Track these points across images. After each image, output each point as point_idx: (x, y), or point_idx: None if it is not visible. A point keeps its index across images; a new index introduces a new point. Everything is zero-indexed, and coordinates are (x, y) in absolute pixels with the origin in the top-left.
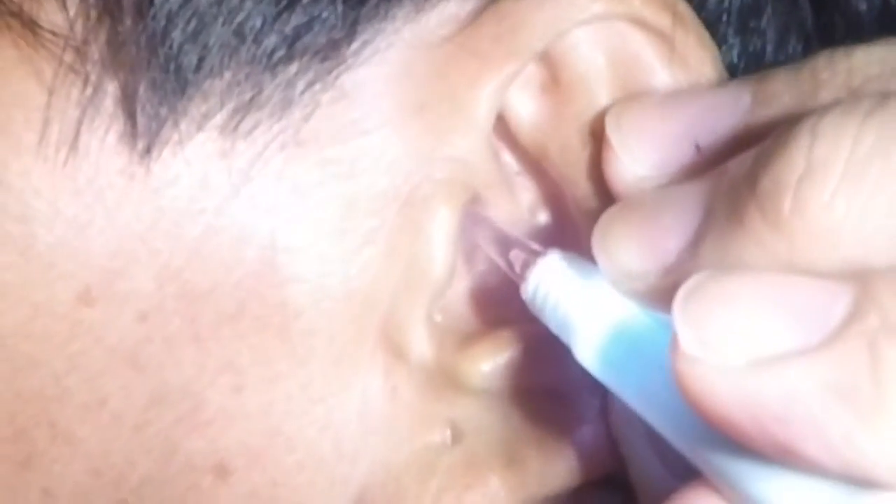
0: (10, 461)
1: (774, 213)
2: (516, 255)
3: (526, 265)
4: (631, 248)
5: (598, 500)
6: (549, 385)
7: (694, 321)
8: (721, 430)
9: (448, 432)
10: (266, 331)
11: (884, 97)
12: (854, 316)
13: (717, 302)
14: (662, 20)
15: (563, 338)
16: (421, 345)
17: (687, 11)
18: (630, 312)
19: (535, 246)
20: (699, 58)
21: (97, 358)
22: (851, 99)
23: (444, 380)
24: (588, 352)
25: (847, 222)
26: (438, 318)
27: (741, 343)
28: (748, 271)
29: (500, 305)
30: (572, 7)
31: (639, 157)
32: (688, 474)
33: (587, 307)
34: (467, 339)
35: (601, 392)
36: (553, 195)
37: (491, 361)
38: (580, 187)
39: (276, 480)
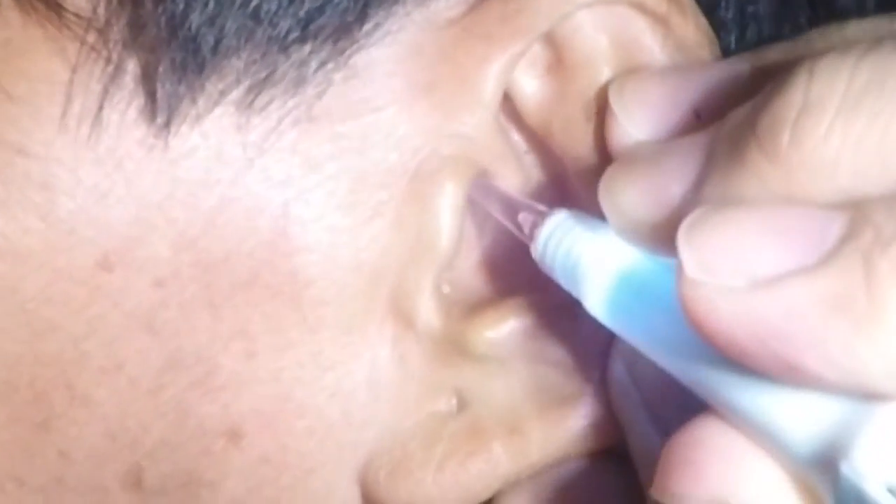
0: (29, 423)
1: (773, 148)
2: (525, 218)
3: (535, 225)
4: (635, 195)
5: (598, 469)
6: (551, 356)
7: (697, 247)
8: (725, 352)
9: (454, 400)
10: (278, 299)
11: (878, 40)
12: (849, 235)
13: (719, 229)
14: (661, 6)
15: (573, 290)
16: (428, 314)
17: None
18: (636, 259)
19: (543, 207)
20: (696, 41)
21: (115, 322)
22: (847, 44)
23: (451, 348)
24: (596, 299)
25: (843, 153)
26: (447, 288)
27: (742, 265)
28: (749, 203)
29: (508, 277)
30: None
31: (640, 123)
32: None
33: (594, 257)
34: (474, 308)
35: (602, 364)
36: (558, 173)
37: (496, 330)
38: (584, 162)
39: (287, 445)
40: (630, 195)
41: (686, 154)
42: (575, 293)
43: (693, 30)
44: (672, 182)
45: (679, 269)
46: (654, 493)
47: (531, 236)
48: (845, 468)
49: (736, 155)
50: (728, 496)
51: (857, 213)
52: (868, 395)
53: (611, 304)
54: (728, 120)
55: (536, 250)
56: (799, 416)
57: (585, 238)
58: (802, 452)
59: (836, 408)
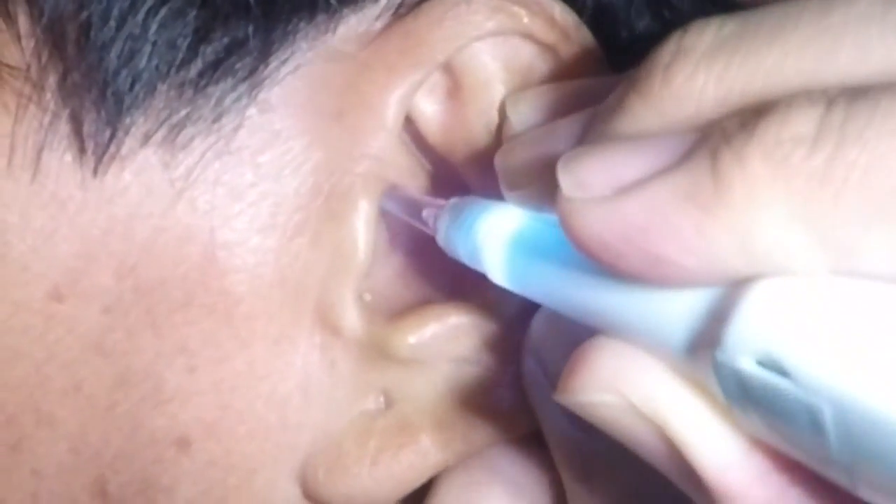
0: (4, 446)
1: (647, 89)
2: (428, 213)
3: (436, 218)
4: (525, 154)
5: (521, 452)
6: (470, 354)
7: (572, 170)
8: (600, 259)
9: (382, 399)
10: (213, 317)
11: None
12: (701, 139)
13: (592, 153)
14: (548, 35)
15: (476, 266)
16: (352, 322)
17: (571, 26)
18: (527, 222)
19: (441, 201)
20: (582, 63)
21: (70, 347)
22: None
23: (376, 352)
24: (495, 265)
25: (707, 86)
26: (368, 297)
27: (608, 177)
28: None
29: (427, 282)
30: (468, 25)
31: (532, 123)
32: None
33: (488, 228)
34: (395, 315)
35: (516, 359)
36: (463, 187)
37: (417, 335)
38: (485, 176)
39: (231, 449)
40: (521, 158)
41: (573, 119)
42: (478, 268)
43: (578, 53)
44: (559, 141)
45: (558, 193)
46: (557, 398)
47: (435, 228)
48: (719, 355)
49: (616, 104)
50: (620, 388)
51: (711, 125)
52: (727, 279)
53: (508, 266)
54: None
55: (440, 238)
56: (675, 316)
57: (479, 214)
58: (683, 349)
59: (705, 301)
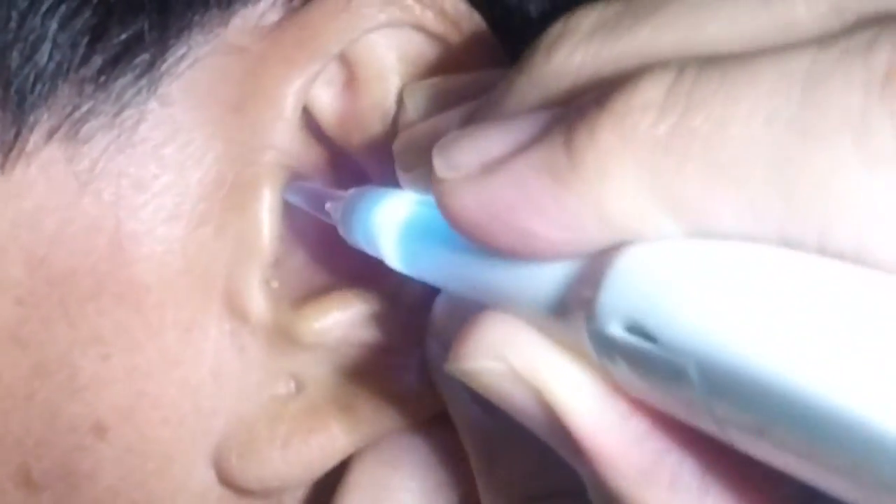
0: None
1: (529, 66)
2: (331, 205)
3: (336, 209)
4: (418, 139)
5: (430, 433)
6: (375, 340)
7: (445, 153)
8: (473, 237)
9: (292, 384)
10: (123, 306)
11: None
12: (560, 114)
13: (463, 135)
14: (438, 27)
15: (374, 252)
16: (260, 308)
17: (463, 15)
18: (419, 206)
19: (341, 192)
20: (473, 54)
21: None
22: None
23: (284, 338)
24: (389, 249)
25: (585, 62)
26: (275, 284)
27: (476, 156)
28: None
29: (333, 271)
30: (361, 17)
31: (427, 114)
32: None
33: (382, 215)
34: (301, 301)
35: (420, 343)
36: (362, 175)
37: (321, 320)
38: (381, 167)
39: (146, 435)
40: (415, 138)
41: (466, 107)
42: (376, 255)
43: (471, 42)
44: (451, 124)
45: (431, 175)
46: (447, 368)
47: (336, 220)
48: (591, 323)
49: (503, 86)
50: (502, 353)
51: (573, 100)
52: (592, 249)
53: (401, 250)
54: None
55: (341, 229)
56: (551, 287)
57: (375, 203)
58: (559, 318)
59: (577, 270)
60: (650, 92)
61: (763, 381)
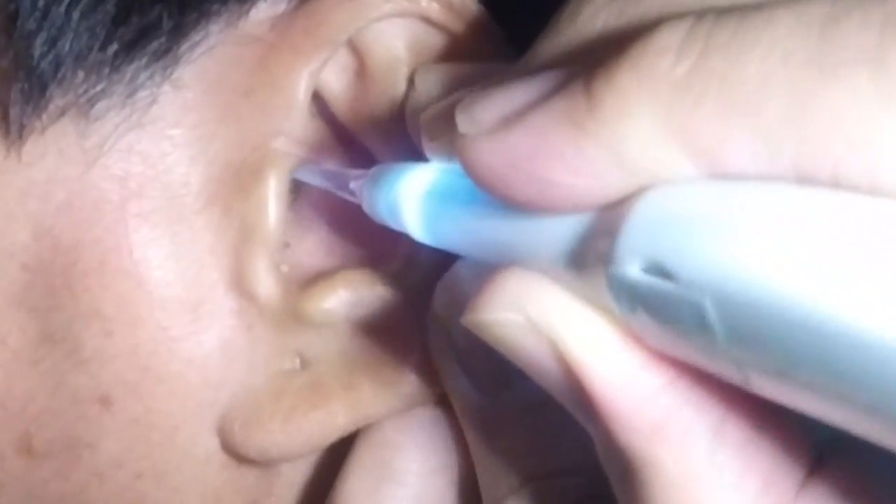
0: None
1: (554, 30)
2: (355, 184)
3: (361, 186)
4: (442, 109)
5: (431, 418)
6: (380, 322)
7: (467, 110)
8: (494, 191)
9: (297, 360)
10: (126, 280)
11: None
12: (581, 69)
13: (486, 93)
14: (442, 17)
15: (399, 226)
16: (267, 290)
17: (467, 7)
18: (442, 175)
19: (361, 171)
20: (476, 43)
21: None
22: None
23: (291, 317)
24: (413, 220)
25: (608, 23)
26: (285, 268)
27: (498, 110)
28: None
29: (344, 255)
30: (367, 6)
31: (437, 95)
32: (495, 389)
33: (405, 186)
34: (309, 283)
35: (423, 326)
36: (371, 160)
37: (327, 300)
38: (390, 153)
39: (151, 407)
40: (439, 108)
41: (486, 79)
42: (399, 226)
43: (473, 34)
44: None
45: (454, 133)
46: (463, 321)
47: (361, 196)
48: (611, 268)
49: (528, 55)
50: (521, 305)
51: (591, 56)
52: (612, 195)
53: (424, 217)
54: None
55: (366, 205)
56: (572, 238)
57: (399, 175)
58: (580, 269)
59: (597, 221)
60: (668, 37)
61: (785, 313)
